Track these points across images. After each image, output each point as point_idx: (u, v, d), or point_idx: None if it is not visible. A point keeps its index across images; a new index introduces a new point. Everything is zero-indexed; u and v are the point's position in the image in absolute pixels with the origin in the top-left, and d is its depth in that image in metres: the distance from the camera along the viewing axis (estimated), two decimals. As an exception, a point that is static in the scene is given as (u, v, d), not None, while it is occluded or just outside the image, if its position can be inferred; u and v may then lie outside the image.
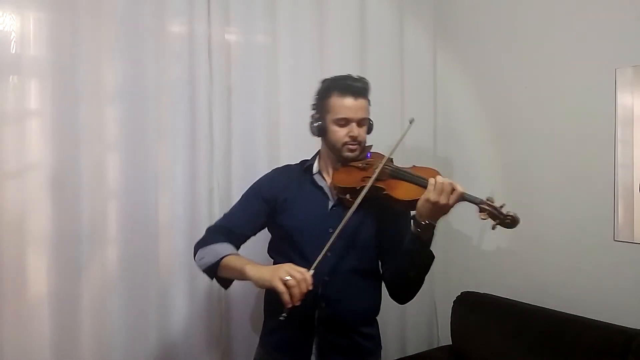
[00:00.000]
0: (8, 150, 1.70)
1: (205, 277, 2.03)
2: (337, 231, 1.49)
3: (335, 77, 1.69)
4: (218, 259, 1.56)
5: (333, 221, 1.57)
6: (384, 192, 1.57)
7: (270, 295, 1.67)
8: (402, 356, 2.40)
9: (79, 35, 1.80)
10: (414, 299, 2.37)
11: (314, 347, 1.62)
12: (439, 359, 2.34)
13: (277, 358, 1.67)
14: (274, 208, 1.68)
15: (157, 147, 1.95)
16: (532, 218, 2.22)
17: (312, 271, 1.43)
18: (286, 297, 1.38)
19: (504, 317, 2.13)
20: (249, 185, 1.77)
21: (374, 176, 1.56)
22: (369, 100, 1.68)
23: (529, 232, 2.23)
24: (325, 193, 1.69)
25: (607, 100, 1.94)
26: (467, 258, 2.50)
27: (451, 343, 2.34)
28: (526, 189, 2.25)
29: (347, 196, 1.60)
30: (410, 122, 1.75)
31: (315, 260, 1.46)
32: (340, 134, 1.64)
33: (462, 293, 2.34)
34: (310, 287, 1.41)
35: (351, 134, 1.63)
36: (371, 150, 1.74)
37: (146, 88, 1.92)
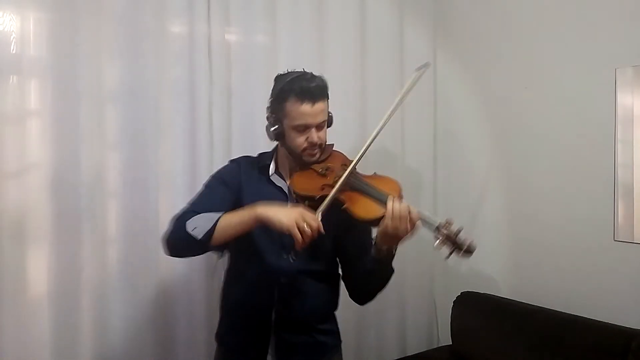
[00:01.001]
0: (8, 150, 1.70)
1: (204, 277, 2.05)
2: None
3: (290, 77, 1.58)
4: (214, 220, 1.45)
5: None
6: (344, 207, 1.52)
7: (228, 290, 1.69)
8: (402, 356, 2.40)
9: (79, 35, 1.80)
10: (414, 299, 2.38)
11: (270, 347, 1.62)
12: (439, 359, 2.34)
13: (236, 358, 1.67)
14: (237, 200, 1.60)
15: (157, 147, 1.95)
16: (532, 218, 2.22)
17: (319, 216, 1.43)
18: (299, 244, 1.38)
19: (504, 317, 2.13)
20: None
21: (335, 189, 1.51)
22: (327, 98, 1.60)
23: (529, 232, 2.24)
24: (284, 192, 1.64)
25: (607, 100, 1.94)
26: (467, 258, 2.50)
27: (451, 343, 2.34)
28: (526, 189, 2.25)
29: (306, 202, 1.55)
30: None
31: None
32: (299, 140, 1.57)
33: (462, 293, 2.34)
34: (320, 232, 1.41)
35: (310, 140, 1.57)
36: (333, 149, 1.69)
37: (146, 88, 1.92)
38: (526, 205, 2.25)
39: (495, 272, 2.38)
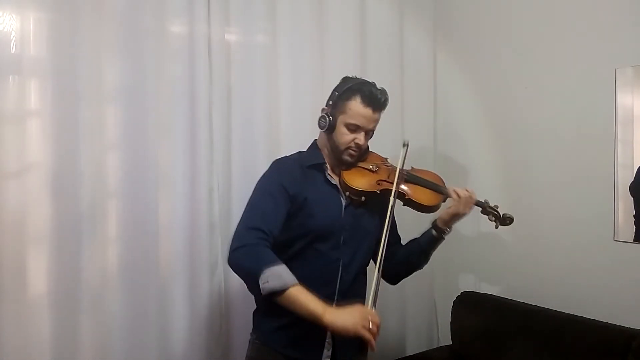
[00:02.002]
0: (8, 150, 1.69)
1: (204, 277, 2.04)
2: (385, 238, 1.57)
3: (362, 81, 1.71)
4: (285, 287, 1.45)
5: (347, 219, 1.67)
6: (407, 197, 1.72)
7: None
8: (402, 356, 2.40)
9: (79, 35, 1.80)
10: (414, 299, 2.39)
11: (327, 342, 1.65)
12: (439, 359, 2.34)
13: (288, 354, 1.66)
14: (296, 205, 1.63)
15: (157, 147, 1.95)
16: (532, 218, 2.22)
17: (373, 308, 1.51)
18: (373, 343, 1.42)
19: (504, 317, 2.13)
20: (263, 176, 1.69)
21: (396, 183, 1.66)
22: (382, 112, 1.72)
23: (529, 232, 2.24)
24: (339, 191, 1.71)
25: (607, 100, 1.94)
26: (467, 258, 2.50)
27: (451, 343, 2.34)
28: (526, 189, 2.25)
29: (362, 198, 1.67)
30: (404, 145, 1.77)
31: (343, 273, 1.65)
32: (347, 137, 1.66)
33: (462, 293, 2.34)
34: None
35: (357, 141, 1.66)
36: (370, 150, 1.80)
37: (146, 88, 1.92)
38: (526, 205, 2.25)
39: (495, 272, 2.39)
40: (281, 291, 1.45)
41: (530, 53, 2.22)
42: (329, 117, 1.68)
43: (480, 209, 1.80)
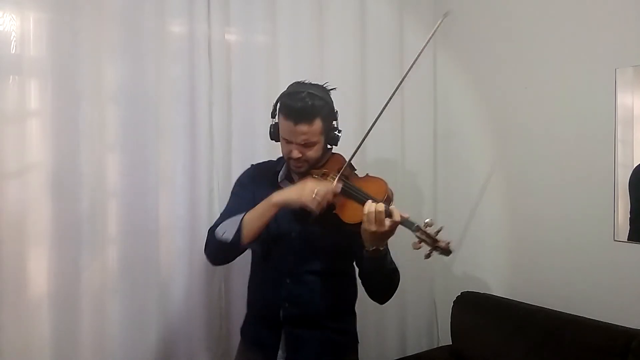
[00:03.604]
0: (8, 150, 1.69)
1: (204, 277, 2.05)
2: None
3: (288, 91, 1.62)
4: (239, 220, 1.56)
5: (296, 225, 1.66)
6: (333, 212, 1.59)
7: (249, 286, 1.78)
8: (402, 356, 2.40)
9: (79, 35, 1.80)
10: (414, 299, 2.39)
11: (281, 342, 1.67)
12: (439, 359, 2.34)
13: (251, 350, 1.75)
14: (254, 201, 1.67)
15: (157, 147, 1.95)
16: (532, 218, 2.22)
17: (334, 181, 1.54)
18: (315, 212, 1.49)
19: (504, 317, 2.13)
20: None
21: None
22: (323, 118, 1.60)
23: (529, 232, 2.24)
24: None
25: (607, 100, 1.94)
26: (467, 258, 2.50)
27: (451, 343, 2.34)
28: (526, 188, 2.25)
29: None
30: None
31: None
32: (285, 149, 1.65)
33: (462, 293, 2.34)
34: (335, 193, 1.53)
35: (291, 155, 1.61)
36: (333, 153, 1.72)
37: (146, 88, 1.92)
38: (526, 205, 2.25)
39: (495, 272, 2.38)
40: (239, 226, 1.55)
41: (530, 53, 2.22)
42: (273, 128, 1.68)
43: (412, 229, 1.51)
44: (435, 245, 1.48)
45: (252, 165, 1.84)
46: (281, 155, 1.74)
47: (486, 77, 2.43)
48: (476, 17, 2.47)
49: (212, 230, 1.63)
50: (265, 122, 2.13)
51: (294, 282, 1.66)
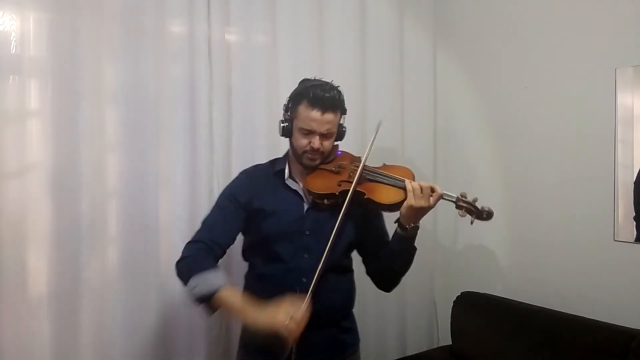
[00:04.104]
0: (8, 150, 1.70)
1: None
2: (331, 241, 1.55)
3: (310, 84, 1.67)
4: (212, 291, 1.50)
5: (309, 223, 1.66)
6: (365, 197, 1.62)
7: (252, 293, 1.69)
8: (402, 356, 2.40)
9: (79, 35, 1.80)
10: (414, 299, 2.38)
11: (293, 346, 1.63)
12: (439, 359, 2.34)
13: (262, 357, 1.67)
14: (251, 214, 1.68)
15: (157, 147, 1.95)
16: (532, 218, 2.22)
17: (308, 298, 1.48)
18: (289, 342, 1.42)
19: (504, 317, 2.13)
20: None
21: (355, 182, 1.61)
22: (341, 111, 1.68)
23: (529, 232, 2.24)
24: (300, 196, 1.70)
25: (607, 100, 1.94)
26: (467, 258, 2.50)
27: (451, 343, 2.34)
28: (526, 188, 2.25)
29: (325, 201, 1.64)
30: (378, 126, 1.74)
31: (312, 274, 1.55)
32: (302, 142, 1.65)
33: (462, 293, 2.34)
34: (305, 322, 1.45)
35: (312, 145, 1.63)
36: (339, 150, 1.76)
37: (146, 88, 1.92)
38: (526, 205, 2.25)
39: (495, 272, 2.38)
40: (209, 295, 1.50)
41: (530, 53, 2.22)
42: (283, 123, 1.68)
43: (452, 203, 1.63)
44: (479, 210, 1.61)
45: (242, 171, 1.80)
46: (275, 157, 1.76)
47: (486, 77, 2.43)
48: (476, 17, 2.47)
49: (194, 249, 1.62)
50: (265, 122, 2.15)
51: (311, 280, 1.61)
